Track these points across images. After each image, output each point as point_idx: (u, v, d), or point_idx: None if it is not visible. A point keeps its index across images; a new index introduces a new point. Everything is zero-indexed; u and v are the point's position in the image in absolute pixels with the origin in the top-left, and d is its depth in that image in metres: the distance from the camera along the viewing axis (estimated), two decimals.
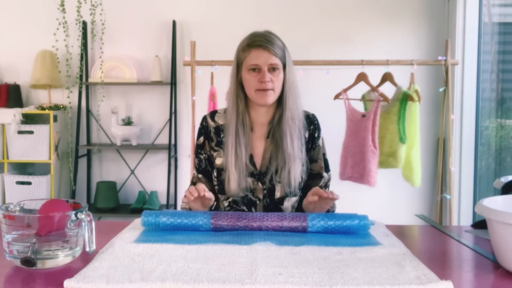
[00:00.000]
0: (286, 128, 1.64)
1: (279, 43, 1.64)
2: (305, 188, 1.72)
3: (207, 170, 1.75)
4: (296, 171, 1.64)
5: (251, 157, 1.68)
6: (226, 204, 1.71)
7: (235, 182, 1.63)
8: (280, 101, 1.67)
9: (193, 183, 1.76)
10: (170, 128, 3.59)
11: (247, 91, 1.65)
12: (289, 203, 1.69)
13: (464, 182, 3.39)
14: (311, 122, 1.74)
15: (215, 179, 1.71)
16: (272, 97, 1.63)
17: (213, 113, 1.77)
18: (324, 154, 1.76)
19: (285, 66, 1.64)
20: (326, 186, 1.75)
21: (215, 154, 1.72)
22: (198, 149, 1.76)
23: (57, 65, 3.57)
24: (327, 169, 1.76)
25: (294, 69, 1.70)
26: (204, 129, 1.75)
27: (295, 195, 1.69)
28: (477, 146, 3.38)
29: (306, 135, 1.73)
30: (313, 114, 1.77)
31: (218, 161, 1.70)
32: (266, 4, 3.61)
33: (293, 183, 1.64)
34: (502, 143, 3.28)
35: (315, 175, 1.74)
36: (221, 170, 1.69)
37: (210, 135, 1.74)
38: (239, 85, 1.67)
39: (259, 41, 1.61)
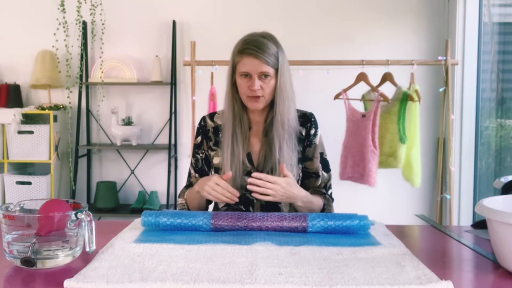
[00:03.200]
0: (275, 134, 1.64)
1: (272, 49, 1.61)
2: (304, 188, 1.72)
3: (203, 170, 1.76)
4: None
5: (249, 155, 1.69)
6: (223, 204, 1.71)
7: (230, 180, 1.63)
8: (273, 104, 1.67)
9: (191, 182, 1.77)
10: (170, 128, 3.60)
11: (240, 95, 1.66)
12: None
13: (464, 182, 3.39)
14: (308, 120, 1.74)
15: None
16: (262, 103, 1.64)
17: (212, 114, 1.78)
18: (322, 154, 1.75)
19: (278, 71, 1.62)
20: (325, 186, 1.75)
21: (212, 153, 1.73)
22: (196, 148, 1.77)
23: (57, 65, 3.57)
24: (326, 169, 1.75)
25: (289, 71, 1.68)
26: (202, 129, 1.76)
27: None
28: (477, 146, 3.37)
29: (303, 133, 1.72)
30: (310, 113, 1.76)
31: (216, 161, 1.71)
32: (266, 4, 3.61)
33: None
34: (502, 143, 3.28)
35: (311, 174, 1.73)
36: (218, 170, 1.70)
37: (208, 135, 1.75)
38: (234, 87, 1.68)
39: (250, 48, 1.59)
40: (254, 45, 1.60)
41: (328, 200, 1.73)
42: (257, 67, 1.59)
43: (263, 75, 1.60)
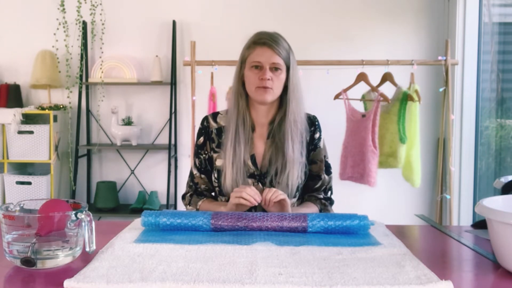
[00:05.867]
0: (288, 132, 1.64)
1: (284, 44, 1.64)
2: (304, 188, 1.72)
3: (207, 171, 1.74)
4: (294, 175, 1.63)
5: (253, 157, 1.68)
6: None
7: (230, 179, 1.63)
8: (282, 102, 1.67)
9: (195, 183, 1.76)
10: (170, 128, 3.60)
11: (248, 88, 1.65)
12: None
13: (464, 182, 3.39)
14: (312, 123, 1.74)
15: (215, 181, 1.71)
16: (271, 96, 1.62)
17: (215, 114, 1.76)
18: (325, 157, 1.75)
19: (289, 68, 1.63)
20: (325, 189, 1.75)
21: (215, 155, 1.71)
22: (198, 149, 1.75)
23: (57, 65, 3.57)
24: (327, 171, 1.75)
25: (298, 72, 1.69)
26: (205, 130, 1.74)
27: (294, 197, 1.69)
28: (477, 146, 3.38)
29: (308, 137, 1.72)
30: (314, 116, 1.77)
31: (219, 163, 1.69)
32: (266, 4, 3.61)
33: (290, 186, 1.63)
34: (502, 143, 3.28)
35: (314, 176, 1.73)
36: (221, 172, 1.68)
37: (211, 136, 1.73)
38: (241, 83, 1.67)
39: (264, 39, 1.62)
40: (268, 37, 1.62)
41: (325, 205, 1.73)
42: (269, 57, 1.60)
43: (274, 68, 1.61)
